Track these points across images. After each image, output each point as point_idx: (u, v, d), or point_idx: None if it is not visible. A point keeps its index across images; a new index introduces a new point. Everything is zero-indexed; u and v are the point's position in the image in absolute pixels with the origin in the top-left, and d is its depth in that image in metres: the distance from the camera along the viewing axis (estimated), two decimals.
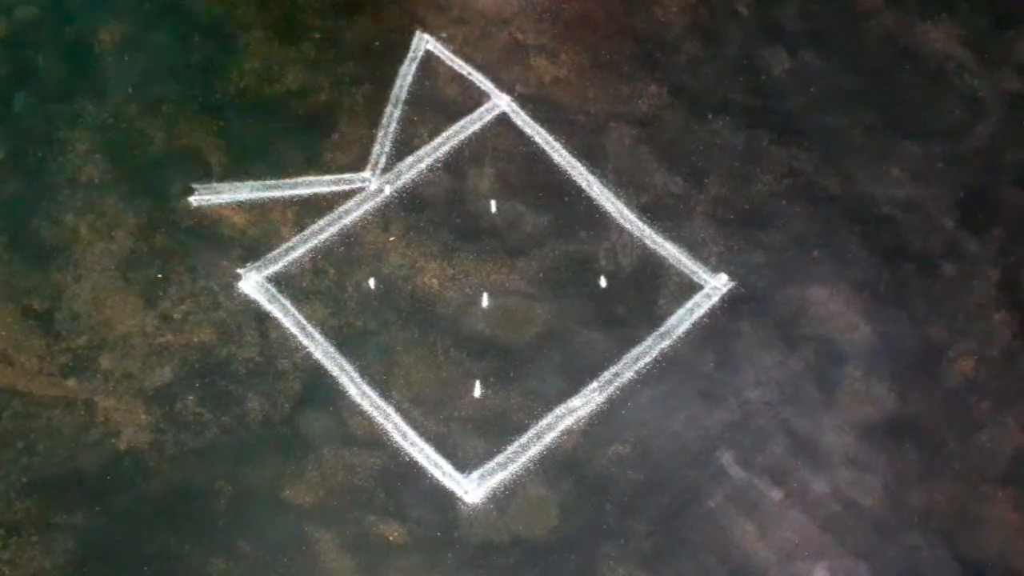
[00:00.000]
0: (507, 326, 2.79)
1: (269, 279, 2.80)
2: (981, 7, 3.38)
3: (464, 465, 2.60)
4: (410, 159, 3.00)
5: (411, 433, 2.63)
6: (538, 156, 3.04)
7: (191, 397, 2.63)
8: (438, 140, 3.03)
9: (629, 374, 2.73)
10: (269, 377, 2.67)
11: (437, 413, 2.66)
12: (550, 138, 3.06)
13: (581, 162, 3.03)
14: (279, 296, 2.78)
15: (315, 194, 2.93)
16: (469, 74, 3.15)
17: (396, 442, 2.62)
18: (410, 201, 2.94)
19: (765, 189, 3.03)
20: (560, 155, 3.04)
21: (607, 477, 2.61)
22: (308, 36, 3.18)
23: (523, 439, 2.64)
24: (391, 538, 2.51)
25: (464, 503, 2.55)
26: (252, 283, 2.79)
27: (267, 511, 2.52)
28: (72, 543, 2.46)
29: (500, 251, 2.89)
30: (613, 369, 2.73)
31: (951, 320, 2.87)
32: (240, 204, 2.90)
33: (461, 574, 2.48)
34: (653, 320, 2.81)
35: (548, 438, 2.64)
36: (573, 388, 2.71)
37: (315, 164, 2.97)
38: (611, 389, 2.71)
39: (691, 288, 2.87)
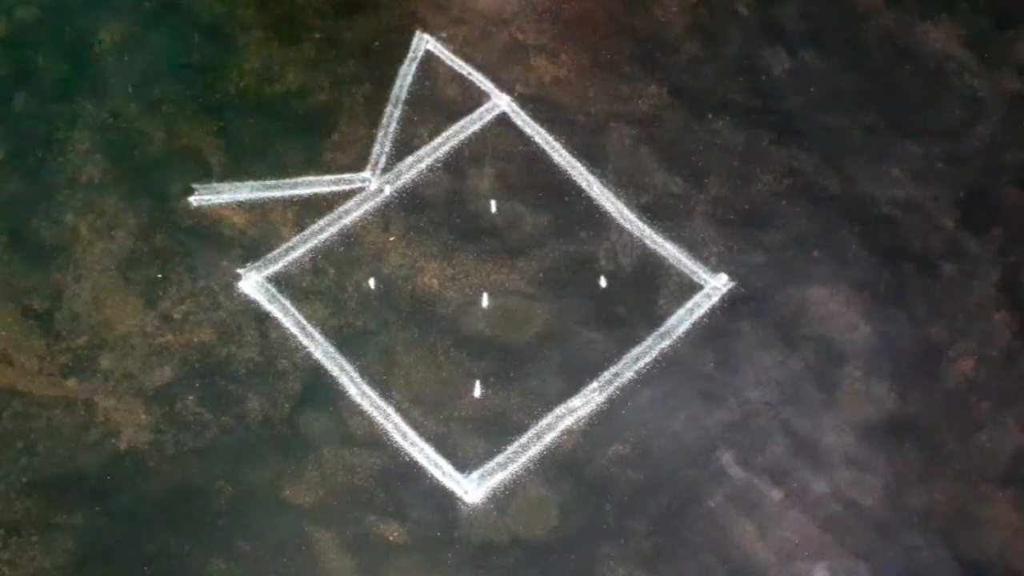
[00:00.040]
0: (507, 326, 2.79)
1: (269, 279, 2.80)
2: (981, 7, 3.38)
3: (464, 465, 2.60)
4: (410, 159, 3.00)
5: (411, 433, 2.63)
6: (538, 156, 3.04)
7: (191, 397, 2.63)
8: (438, 140, 3.03)
9: (629, 374, 2.73)
10: (269, 377, 2.67)
11: (437, 413, 2.66)
12: (550, 138, 3.06)
13: (581, 162, 3.03)
14: (279, 296, 2.78)
15: (315, 194, 2.93)
16: (469, 74, 3.15)
17: (396, 442, 2.62)
18: (410, 201, 2.94)
19: (765, 189, 3.03)
20: (560, 155, 3.04)
21: (607, 477, 2.61)
22: (308, 36, 3.18)
23: (523, 439, 2.64)
24: (391, 538, 2.51)
25: (464, 503, 2.55)
26: (252, 283, 2.79)
27: (267, 511, 2.52)
28: (72, 543, 2.46)
29: (500, 251, 2.89)
30: (613, 369, 2.73)
31: (951, 320, 2.87)
32: (240, 204, 2.90)
33: (461, 574, 2.48)
34: (653, 320, 2.81)
35: (548, 438, 2.64)
36: (573, 388, 2.71)
37: (315, 164, 2.97)
38: (611, 389, 2.71)
39: (691, 288, 2.87)
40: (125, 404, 2.62)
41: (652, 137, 3.09)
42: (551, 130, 3.07)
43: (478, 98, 3.12)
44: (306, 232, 2.87)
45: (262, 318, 2.75)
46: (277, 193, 2.92)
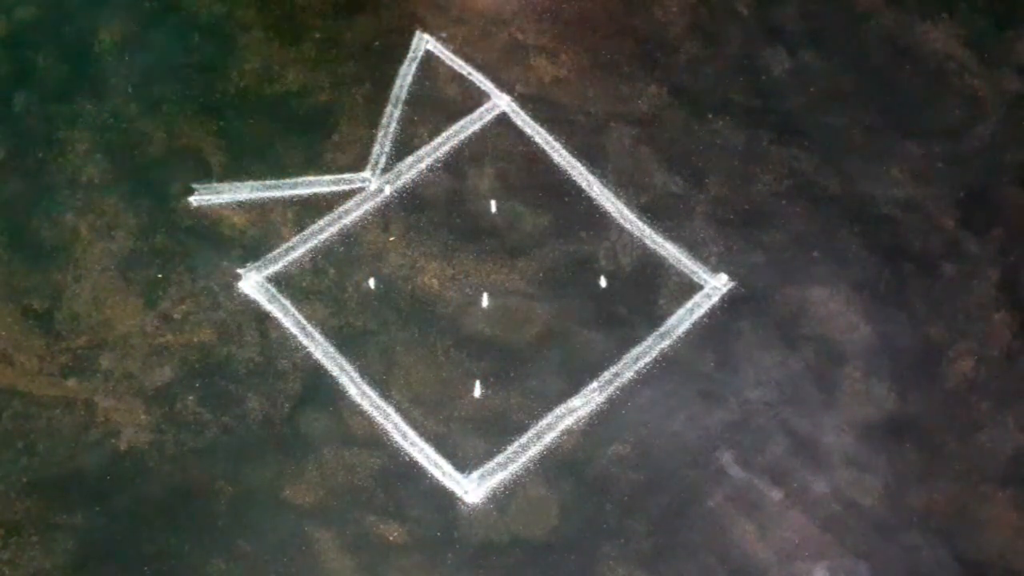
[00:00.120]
0: (507, 326, 2.79)
1: (269, 279, 2.80)
2: (981, 7, 3.38)
3: (464, 465, 2.60)
4: (410, 159, 3.00)
5: (411, 433, 2.63)
6: (538, 156, 3.04)
7: (191, 397, 2.63)
8: (438, 140, 3.03)
9: (629, 374, 2.73)
10: (269, 377, 2.67)
11: (437, 413, 2.66)
12: (550, 138, 3.06)
13: (581, 162, 3.03)
14: (279, 296, 2.78)
15: (315, 194, 2.93)
16: (469, 74, 3.15)
17: (396, 442, 2.62)
18: (410, 201, 2.94)
19: (765, 189, 3.03)
20: (560, 155, 3.04)
21: (607, 477, 2.61)
22: (308, 36, 3.18)
23: (523, 439, 2.64)
24: (391, 538, 2.51)
25: (464, 503, 2.55)
26: (252, 283, 2.79)
27: (267, 511, 2.52)
28: (72, 543, 2.46)
29: (500, 251, 2.89)
30: (613, 369, 2.73)
31: (951, 320, 2.87)
32: (240, 204, 2.90)
33: (461, 574, 2.48)
34: (653, 320, 2.81)
35: (548, 438, 2.64)
36: (573, 388, 2.71)
37: (315, 164, 2.97)
38: (611, 389, 2.71)
39: (691, 288, 2.87)
40: (125, 404, 2.62)
41: (652, 137, 3.09)
42: (551, 130, 3.07)
43: (478, 98, 3.12)
44: (306, 232, 2.87)
45: (262, 318, 2.75)
46: (277, 193, 2.92)
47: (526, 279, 2.86)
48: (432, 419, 2.65)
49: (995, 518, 2.63)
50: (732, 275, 2.89)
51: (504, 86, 3.13)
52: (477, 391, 2.69)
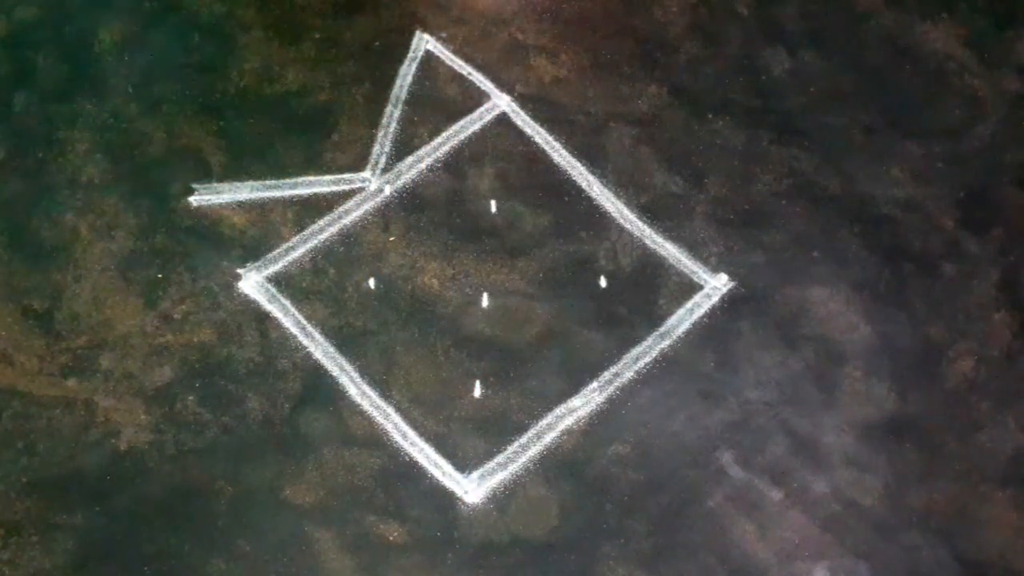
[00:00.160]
0: (507, 326, 2.79)
1: (269, 279, 2.80)
2: (981, 7, 3.38)
3: (464, 465, 2.60)
4: (410, 159, 3.00)
5: (411, 433, 2.63)
6: (538, 156, 3.04)
7: (191, 397, 2.63)
8: (438, 140, 3.03)
9: (629, 374, 2.73)
10: (269, 377, 2.67)
11: (437, 413, 2.66)
12: (550, 138, 3.06)
13: (581, 162, 3.03)
14: (279, 296, 2.78)
15: (315, 194, 2.93)
16: (469, 74, 3.15)
17: (396, 442, 2.62)
18: (410, 201, 2.94)
19: (765, 189, 3.03)
20: (560, 155, 3.04)
21: (607, 477, 2.61)
22: (308, 36, 3.18)
23: (523, 439, 2.64)
24: (391, 538, 2.51)
25: (464, 503, 2.55)
26: (252, 283, 2.79)
27: (267, 511, 2.52)
28: (72, 543, 2.46)
29: (500, 251, 2.89)
30: (613, 369, 2.73)
31: (951, 320, 2.87)
32: (240, 204, 2.90)
33: (461, 574, 2.48)
34: (653, 320, 2.81)
35: (548, 438, 2.64)
36: (573, 388, 2.71)
37: (315, 164, 2.97)
38: (611, 389, 2.71)
39: (691, 288, 2.87)
40: (125, 404, 2.62)
41: (652, 137, 3.09)
42: (551, 130, 3.07)
43: (478, 98, 3.12)
44: (306, 232, 2.87)
45: (262, 318, 2.75)
46: (277, 193, 2.92)
47: (526, 279, 2.86)
48: (432, 419, 2.65)
49: (995, 518, 2.63)
50: (732, 275, 2.89)
51: (504, 86, 3.13)
52: (477, 391, 2.69)
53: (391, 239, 2.88)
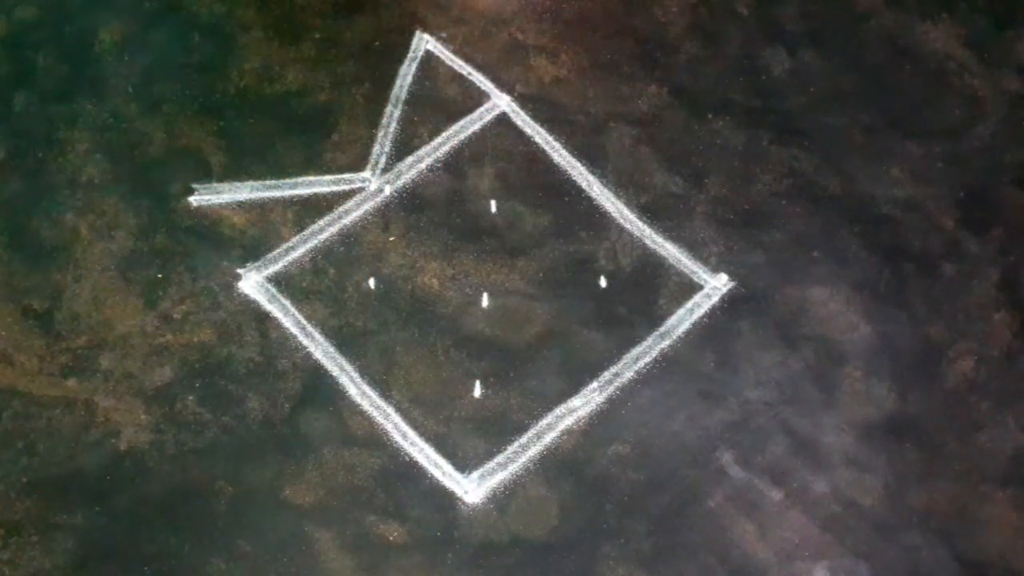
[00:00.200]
0: (507, 326, 2.79)
1: (269, 279, 2.80)
2: (981, 7, 3.38)
3: (464, 465, 2.60)
4: (410, 159, 3.00)
5: (411, 433, 2.63)
6: (538, 156, 3.04)
7: (191, 397, 2.63)
8: (438, 140, 3.03)
9: (629, 374, 2.73)
10: (269, 377, 2.67)
11: (437, 413, 2.66)
12: (550, 138, 3.06)
13: (581, 162, 3.03)
14: (279, 296, 2.78)
15: (315, 194, 2.93)
16: (469, 74, 3.15)
17: (396, 442, 2.62)
18: (410, 201, 2.94)
19: (765, 189, 3.03)
20: (560, 155, 3.04)
21: (607, 477, 2.61)
22: (308, 36, 3.18)
23: (523, 439, 2.64)
24: (391, 538, 2.51)
25: (464, 503, 2.55)
26: (252, 283, 2.79)
27: (267, 511, 2.52)
28: (72, 543, 2.46)
29: (500, 251, 2.89)
30: (613, 369, 2.73)
31: (951, 320, 2.87)
32: (240, 204, 2.90)
33: (461, 574, 2.48)
34: (653, 320, 2.81)
35: (548, 438, 2.64)
36: (573, 388, 2.71)
37: (315, 164, 2.97)
38: (611, 389, 2.71)
39: (691, 288, 2.87)
40: (125, 404, 2.62)
41: (652, 137, 3.09)
42: (551, 130, 3.07)
43: (478, 98, 3.12)
44: (306, 232, 2.87)
45: (262, 318, 2.75)
46: (277, 193, 2.92)
47: (526, 279, 2.86)
48: (432, 419, 2.65)
49: (995, 518, 2.63)
50: (732, 275, 2.89)
51: (504, 86, 3.13)
52: (477, 391, 2.69)
53: (391, 239, 2.88)
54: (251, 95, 3.07)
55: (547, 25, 3.26)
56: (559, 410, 2.68)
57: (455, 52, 3.18)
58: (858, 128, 3.15)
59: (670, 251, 2.92)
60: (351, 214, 2.91)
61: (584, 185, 3.00)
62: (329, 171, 2.96)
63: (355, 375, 2.69)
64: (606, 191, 2.99)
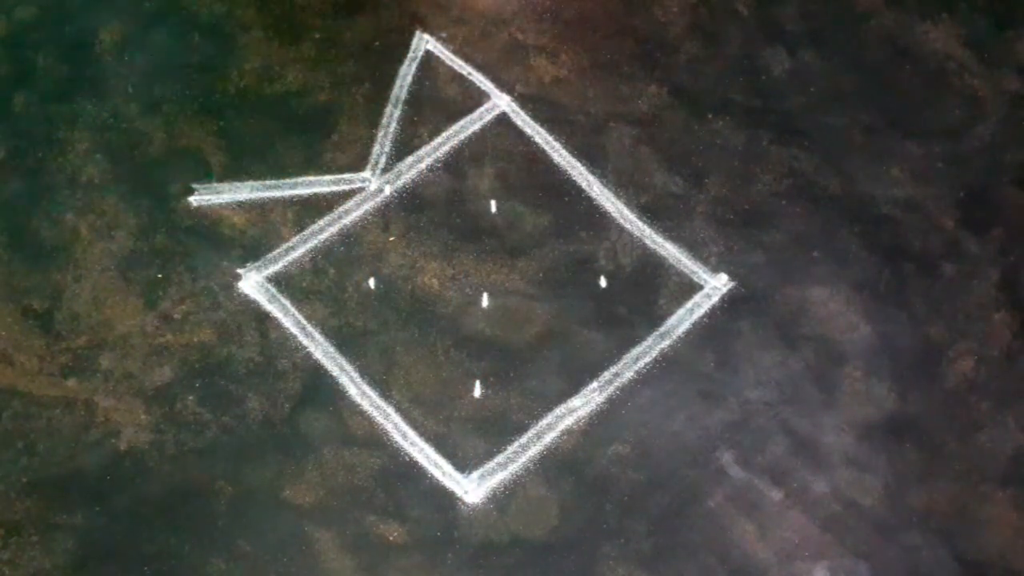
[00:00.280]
0: (507, 326, 2.79)
1: (269, 279, 2.80)
2: (981, 7, 3.38)
3: (464, 465, 2.60)
4: (410, 159, 3.00)
5: (411, 433, 2.63)
6: (538, 156, 3.04)
7: (191, 397, 2.63)
8: (438, 140, 3.03)
9: (629, 374, 2.73)
10: (269, 377, 2.67)
11: (437, 413, 2.66)
12: (550, 138, 3.06)
13: (581, 162, 3.03)
14: (279, 296, 2.78)
15: (315, 194, 2.93)
16: (469, 74, 3.15)
17: (396, 442, 2.62)
18: (410, 201, 2.94)
19: (765, 189, 3.03)
20: (560, 155, 3.04)
21: (607, 477, 2.61)
22: (308, 36, 3.18)
23: (523, 439, 2.64)
24: (391, 538, 2.51)
25: (464, 503, 2.55)
26: (252, 283, 2.79)
27: (267, 511, 2.52)
28: (72, 543, 2.46)
29: (500, 251, 2.89)
30: (613, 369, 2.73)
31: (951, 320, 2.87)
32: (240, 204, 2.90)
33: (461, 574, 2.48)
34: (653, 320, 2.81)
35: (548, 438, 2.64)
36: (573, 388, 2.71)
37: (315, 164, 2.97)
38: (611, 389, 2.71)
39: (691, 288, 2.87)
40: (125, 404, 2.62)
41: (652, 137, 3.09)
42: (551, 130, 3.07)
43: (478, 98, 3.12)
44: (306, 232, 2.87)
45: (262, 318, 2.75)
46: (277, 193, 2.92)
47: (526, 279, 2.86)
48: (432, 419, 2.65)
49: (995, 518, 2.63)
50: (732, 275, 2.89)
51: (504, 86, 3.13)
52: (477, 391, 2.69)
53: (391, 239, 2.88)
54: (251, 95, 3.07)
55: (547, 25, 3.26)
56: (559, 410, 2.68)
57: (455, 52, 3.18)
58: (858, 128, 3.15)
59: (670, 251, 2.92)
60: (351, 214, 2.91)
61: (584, 185, 3.00)
62: (329, 171, 2.96)
63: (355, 375, 2.69)
64: (606, 191, 2.99)
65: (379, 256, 2.86)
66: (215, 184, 2.92)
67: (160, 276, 2.79)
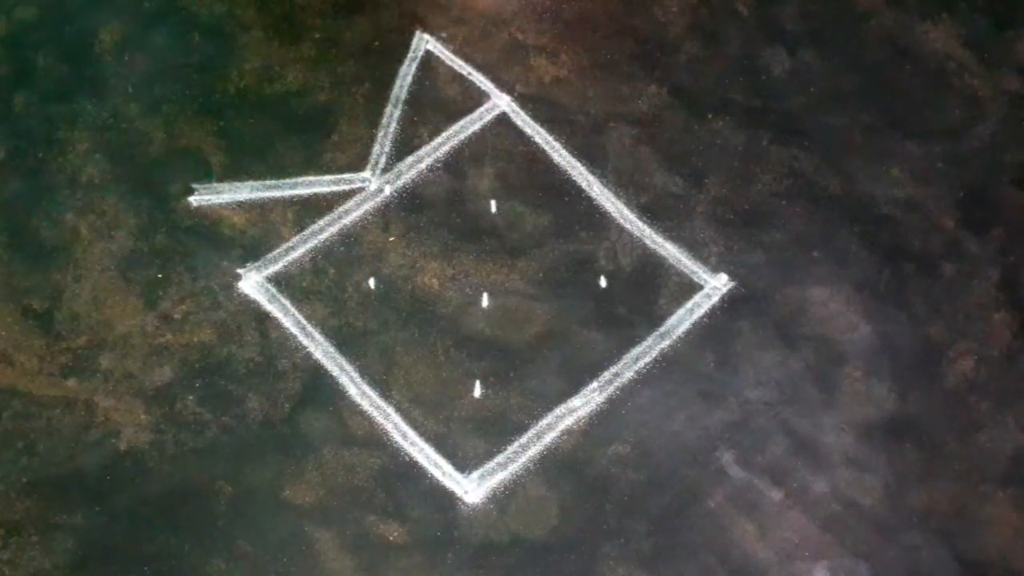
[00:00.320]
0: (507, 326, 2.79)
1: (269, 279, 2.80)
2: (981, 7, 3.38)
3: (464, 465, 2.60)
4: (410, 159, 3.00)
5: (411, 433, 2.63)
6: (538, 156, 3.04)
7: (191, 397, 2.63)
8: (438, 140, 3.03)
9: (629, 374, 2.73)
10: (269, 377, 2.67)
11: (437, 413, 2.66)
12: (550, 138, 3.06)
13: (581, 162, 3.03)
14: (279, 296, 2.78)
15: (315, 194, 2.93)
16: (469, 74, 3.15)
17: (396, 442, 2.62)
18: (410, 201, 2.94)
19: (765, 189, 3.03)
20: (560, 155, 3.04)
21: (607, 477, 2.61)
22: (308, 36, 3.18)
23: (523, 439, 2.64)
24: (391, 538, 2.51)
25: (464, 503, 2.55)
26: (252, 283, 2.79)
27: (267, 511, 2.52)
28: (72, 543, 2.46)
29: (500, 251, 2.89)
30: (613, 369, 2.73)
31: (951, 320, 2.87)
32: (240, 204, 2.90)
33: (461, 574, 2.48)
34: (653, 320, 2.82)
35: (548, 438, 2.64)
36: (573, 388, 2.71)
37: (315, 164, 2.97)
38: (611, 389, 2.71)
39: (691, 288, 2.87)
40: (125, 404, 2.62)
41: (652, 137, 3.09)
42: (551, 130, 3.07)
43: (478, 98, 3.12)
44: (306, 232, 2.87)
45: (262, 318, 2.75)
46: (277, 193, 2.92)
47: (526, 279, 2.86)
48: (432, 419, 2.65)
49: (995, 518, 2.63)
50: (732, 275, 2.89)
51: (504, 86, 3.13)
52: (477, 391, 2.69)
53: (391, 239, 2.88)
54: (251, 95, 3.07)
55: (547, 25, 3.26)
56: (559, 410, 2.68)
57: (455, 52, 3.18)
58: (858, 128, 3.15)
59: (670, 251, 2.92)
60: (351, 214, 2.91)
61: (584, 185, 3.00)
62: (329, 171, 2.96)
63: (355, 375, 2.69)
64: (606, 191, 2.99)
65: (379, 256, 2.86)
66: (215, 184, 2.92)
67: (160, 276, 2.79)
